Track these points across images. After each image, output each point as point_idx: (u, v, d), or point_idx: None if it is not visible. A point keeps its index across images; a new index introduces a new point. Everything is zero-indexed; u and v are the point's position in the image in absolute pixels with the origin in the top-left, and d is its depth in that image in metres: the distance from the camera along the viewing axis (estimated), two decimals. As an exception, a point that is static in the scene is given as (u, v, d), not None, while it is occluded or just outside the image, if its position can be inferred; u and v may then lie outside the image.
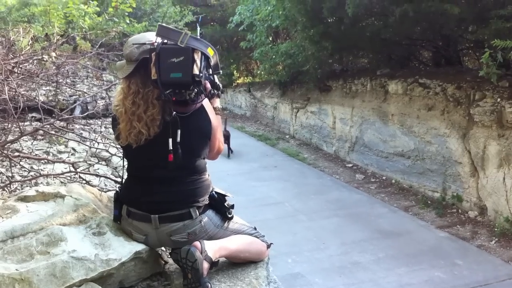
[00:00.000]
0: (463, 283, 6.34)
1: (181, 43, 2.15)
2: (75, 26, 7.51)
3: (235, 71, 22.67)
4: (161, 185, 2.32)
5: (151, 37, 2.28)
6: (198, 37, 2.25)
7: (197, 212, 2.32)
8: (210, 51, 2.25)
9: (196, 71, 2.16)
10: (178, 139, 2.23)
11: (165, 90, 2.16)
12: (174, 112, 2.22)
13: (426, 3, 8.20)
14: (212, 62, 2.31)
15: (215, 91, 2.41)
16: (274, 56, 14.45)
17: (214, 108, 2.47)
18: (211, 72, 2.33)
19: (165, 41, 2.20)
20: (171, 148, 2.22)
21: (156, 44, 2.21)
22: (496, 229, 7.75)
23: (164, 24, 2.27)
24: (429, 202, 9.27)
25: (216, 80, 2.47)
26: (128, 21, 7.73)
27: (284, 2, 12.09)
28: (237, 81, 22.59)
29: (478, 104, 8.24)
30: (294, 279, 6.54)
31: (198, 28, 2.44)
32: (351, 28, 10.82)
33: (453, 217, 8.57)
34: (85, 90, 5.21)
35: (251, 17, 14.68)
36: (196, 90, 2.19)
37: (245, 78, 23.40)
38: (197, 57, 2.18)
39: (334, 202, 9.49)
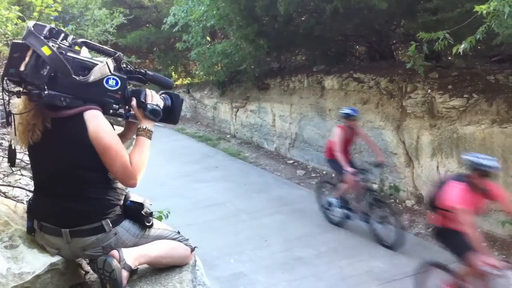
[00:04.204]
0: (402, 271, 6.47)
1: (23, 39, 2.03)
2: (-2, 33, 7.16)
3: (173, 72, 22.43)
4: (66, 198, 2.17)
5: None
6: (37, 34, 2.04)
7: (110, 224, 2.19)
8: (45, 50, 2.02)
9: (22, 67, 1.99)
10: (55, 144, 2.14)
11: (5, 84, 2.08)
12: (49, 118, 2.13)
13: (354, -1, 8.34)
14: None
15: (121, 111, 2.29)
16: (211, 56, 14.34)
17: (138, 128, 2.29)
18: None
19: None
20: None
21: None
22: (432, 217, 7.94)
23: (40, 23, 2.14)
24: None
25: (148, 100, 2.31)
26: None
27: (217, 2, 12.01)
28: (176, 83, 22.32)
29: (410, 96, 8.47)
30: (236, 279, 6.49)
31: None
32: (286, 26, 10.92)
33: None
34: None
35: (185, 18, 14.49)
36: (37, 91, 2.02)
37: (184, 79, 23.20)
38: (29, 54, 2.02)
39: (276, 200, 9.52)
